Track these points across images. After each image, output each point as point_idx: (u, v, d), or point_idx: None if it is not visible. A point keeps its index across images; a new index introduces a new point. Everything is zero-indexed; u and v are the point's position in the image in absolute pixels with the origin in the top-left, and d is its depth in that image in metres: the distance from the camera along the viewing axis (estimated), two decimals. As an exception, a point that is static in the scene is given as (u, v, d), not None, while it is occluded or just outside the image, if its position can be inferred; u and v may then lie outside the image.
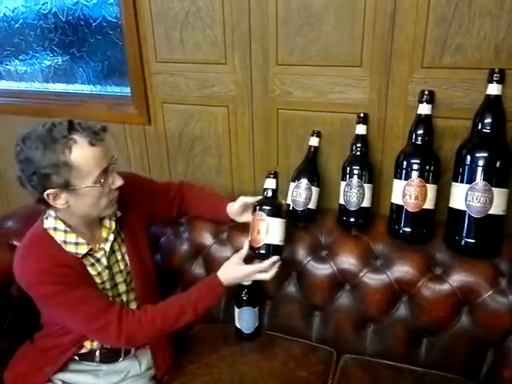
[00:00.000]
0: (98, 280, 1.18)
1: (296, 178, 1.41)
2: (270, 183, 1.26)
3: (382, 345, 1.34)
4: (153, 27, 1.51)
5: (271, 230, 1.19)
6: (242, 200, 1.32)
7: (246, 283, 1.32)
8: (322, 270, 1.36)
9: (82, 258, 1.15)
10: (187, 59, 1.51)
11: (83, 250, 1.14)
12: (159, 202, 1.39)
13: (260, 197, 1.28)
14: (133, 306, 1.29)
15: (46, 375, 1.21)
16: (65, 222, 1.14)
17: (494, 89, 1.15)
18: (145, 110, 1.63)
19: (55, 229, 1.14)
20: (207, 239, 1.50)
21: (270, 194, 1.26)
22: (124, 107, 1.69)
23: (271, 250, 1.21)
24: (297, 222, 1.43)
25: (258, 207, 1.22)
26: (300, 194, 1.39)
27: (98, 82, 1.83)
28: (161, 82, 1.58)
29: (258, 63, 1.42)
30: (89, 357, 1.26)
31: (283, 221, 1.23)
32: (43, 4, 1.76)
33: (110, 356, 1.27)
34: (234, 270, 1.23)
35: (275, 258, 1.21)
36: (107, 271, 1.20)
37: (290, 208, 1.41)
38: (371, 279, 1.31)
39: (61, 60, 1.86)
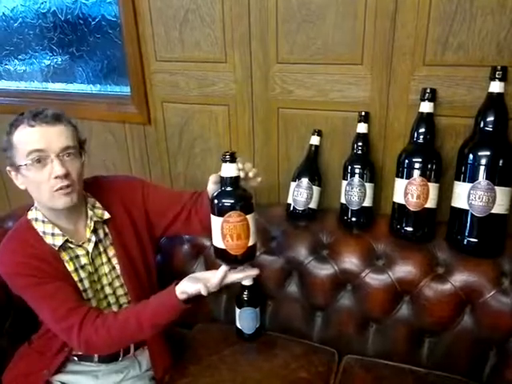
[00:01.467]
0: (75, 277, 1.17)
1: (297, 177, 1.40)
2: (230, 169, 1.00)
3: (384, 345, 1.34)
4: (152, 26, 1.50)
5: (252, 229, 1.02)
6: (211, 185, 1.18)
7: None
8: (324, 270, 1.35)
9: (60, 252, 1.15)
10: (187, 58, 1.50)
11: (59, 241, 1.14)
12: (165, 210, 1.30)
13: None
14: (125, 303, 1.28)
15: (43, 377, 1.20)
16: (43, 213, 1.16)
17: (496, 86, 1.14)
18: (145, 109, 1.63)
19: (36, 219, 1.16)
20: (207, 239, 1.49)
21: (235, 184, 1.01)
22: (124, 106, 1.68)
23: (254, 251, 1.06)
24: (298, 221, 1.42)
25: (230, 206, 0.99)
26: (301, 193, 1.38)
27: (98, 81, 1.82)
28: (160, 81, 1.57)
29: (258, 61, 1.41)
30: (87, 357, 1.25)
31: (254, 213, 1.04)
32: (42, 3, 1.75)
33: (109, 356, 1.26)
34: (190, 280, 1.09)
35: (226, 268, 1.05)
36: (86, 270, 1.19)
37: (291, 207, 1.41)
38: (373, 279, 1.30)
39: (60, 59, 1.85)
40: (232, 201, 0.99)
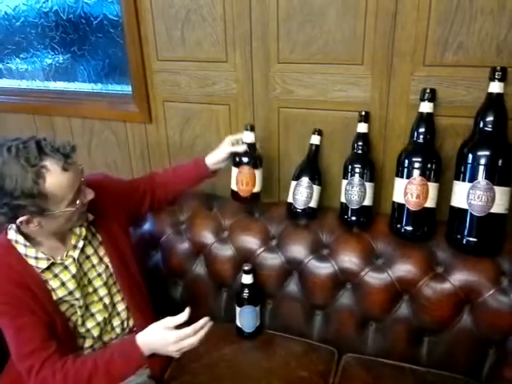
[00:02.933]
0: (60, 293, 1.14)
1: (297, 176, 1.41)
2: (250, 137, 1.36)
3: (383, 344, 1.34)
4: (154, 25, 1.50)
5: (257, 181, 1.38)
6: (229, 147, 1.37)
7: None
8: (324, 268, 1.36)
9: (44, 271, 1.13)
10: (188, 57, 1.50)
11: (43, 264, 1.12)
12: (130, 200, 1.38)
13: (243, 146, 1.36)
14: (121, 306, 1.28)
15: None
16: (26, 237, 1.12)
17: (495, 87, 1.14)
18: (146, 108, 1.63)
19: (16, 241, 1.12)
20: (208, 238, 1.49)
21: (252, 147, 1.37)
22: (125, 105, 1.69)
23: (258, 197, 1.42)
24: (298, 220, 1.43)
25: (244, 160, 1.36)
26: (301, 192, 1.39)
27: (99, 80, 1.82)
28: (162, 81, 1.58)
29: (258, 61, 1.41)
30: None
31: (262, 170, 1.41)
32: (44, 2, 1.76)
33: None
34: (156, 336, 1.06)
35: (204, 320, 1.08)
36: (76, 279, 1.16)
37: (291, 206, 1.41)
38: (373, 278, 1.31)
39: (62, 58, 1.85)
40: (246, 158, 1.37)
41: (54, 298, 1.14)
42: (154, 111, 1.64)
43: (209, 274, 1.51)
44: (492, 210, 1.15)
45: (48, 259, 1.12)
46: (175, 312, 1.43)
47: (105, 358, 1.07)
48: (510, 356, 1.18)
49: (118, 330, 1.28)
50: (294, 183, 1.42)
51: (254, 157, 1.38)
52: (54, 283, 1.14)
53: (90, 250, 1.22)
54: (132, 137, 1.73)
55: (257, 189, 1.41)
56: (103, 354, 1.09)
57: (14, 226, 1.11)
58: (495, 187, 1.14)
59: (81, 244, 1.18)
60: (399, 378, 1.27)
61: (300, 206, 1.39)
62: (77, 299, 1.17)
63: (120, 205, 1.32)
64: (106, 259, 1.25)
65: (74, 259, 1.17)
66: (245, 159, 1.37)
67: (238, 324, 1.41)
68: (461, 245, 1.21)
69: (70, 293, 1.16)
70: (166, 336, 1.04)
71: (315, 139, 1.41)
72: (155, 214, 1.55)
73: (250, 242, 1.44)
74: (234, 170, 1.41)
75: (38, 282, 1.12)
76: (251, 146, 1.37)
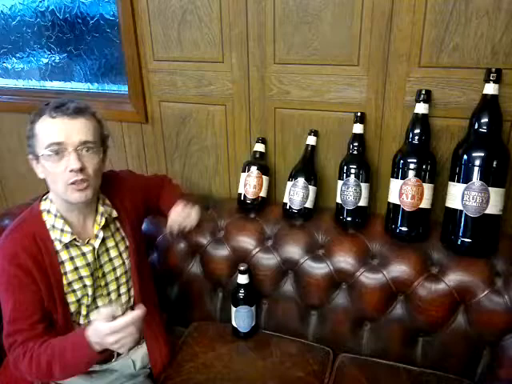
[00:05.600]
0: (71, 277, 1.16)
1: (293, 176, 1.41)
2: (261, 147, 1.50)
3: (378, 344, 1.34)
4: (150, 25, 1.50)
5: (264, 186, 1.46)
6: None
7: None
8: (319, 269, 1.36)
9: (62, 250, 1.15)
10: (184, 58, 1.50)
11: (67, 238, 1.14)
12: (149, 197, 1.40)
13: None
14: (126, 301, 1.28)
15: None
16: (56, 207, 1.16)
17: (490, 88, 1.15)
18: (142, 108, 1.63)
19: (48, 211, 1.16)
20: (204, 238, 1.49)
21: (262, 156, 1.50)
22: (121, 105, 1.69)
23: (264, 202, 1.49)
24: (294, 220, 1.43)
25: (255, 166, 1.46)
26: (297, 192, 1.39)
27: (95, 79, 1.82)
28: (158, 81, 1.58)
29: (255, 62, 1.42)
30: None
31: (268, 179, 1.50)
32: (40, 1, 1.76)
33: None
34: (95, 328, 1.03)
35: (138, 313, 1.02)
36: (90, 268, 1.18)
37: (287, 207, 1.41)
38: (368, 278, 1.31)
39: (58, 58, 1.85)
40: (255, 164, 1.47)
41: (64, 281, 1.15)
42: (150, 111, 1.64)
43: (205, 274, 1.51)
44: (486, 211, 1.15)
45: (72, 234, 1.15)
46: (171, 312, 1.44)
47: (62, 346, 1.08)
48: (504, 356, 1.18)
49: None
50: (289, 184, 1.42)
51: (262, 164, 1.48)
52: (67, 265, 1.16)
53: (111, 243, 1.24)
54: (128, 137, 1.73)
55: (263, 193, 1.47)
56: (60, 342, 1.09)
57: (49, 195, 1.18)
58: (490, 188, 1.14)
59: (101, 234, 1.20)
60: (394, 378, 1.27)
61: (296, 206, 1.40)
62: (85, 286, 1.18)
63: (140, 201, 1.34)
64: (125, 255, 1.27)
65: (93, 248, 1.19)
66: (254, 165, 1.46)
67: (234, 324, 1.42)
68: (455, 245, 1.22)
69: (81, 278, 1.18)
70: (102, 328, 1.01)
71: (311, 140, 1.42)
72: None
73: (246, 242, 1.45)
74: (243, 175, 1.48)
75: (53, 262, 1.14)
76: (261, 154, 1.50)
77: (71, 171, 1.08)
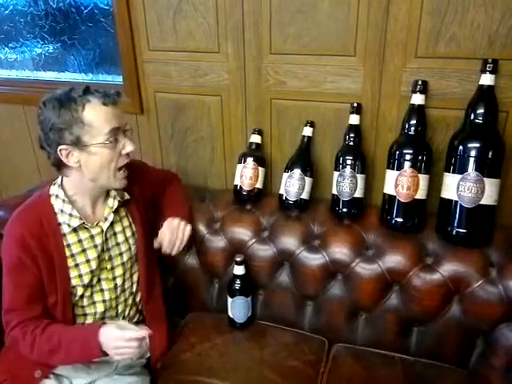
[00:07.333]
0: (79, 259, 1.18)
1: (289, 168, 1.41)
2: (257, 138, 1.48)
3: (373, 334, 1.35)
4: (145, 15, 1.49)
5: (260, 177, 1.45)
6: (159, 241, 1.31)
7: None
8: (315, 259, 1.37)
9: (69, 234, 1.17)
10: (180, 47, 1.49)
11: (75, 222, 1.16)
12: (157, 188, 1.43)
13: None
14: (128, 293, 1.29)
15: (36, 366, 1.19)
16: (66, 192, 1.17)
17: (487, 79, 1.15)
18: (137, 98, 1.62)
19: (57, 196, 1.17)
20: (200, 229, 1.49)
21: (258, 147, 1.48)
22: (116, 96, 1.67)
23: (260, 194, 1.48)
24: (290, 211, 1.43)
25: (251, 158, 1.44)
26: (293, 184, 1.39)
27: (90, 70, 1.81)
28: (153, 71, 1.56)
29: (251, 52, 1.41)
30: None
31: (264, 171, 1.49)
32: (33, -10, 1.74)
33: None
34: (113, 332, 1.10)
35: (146, 333, 1.09)
36: (97, 250, 1.20)
37: (283, 198, 1.41)
38: (363, 269, 1.31)
39: (52, 48, 1.83)
40: (251, 155, 1.45)
41: (71, 263, 1.17)
42: (145, 102, 1.63)
43: (201, 265, 1.51)
44: (482, 202, 1.16)
45: (80, 219, 1.16)
46: (167, 302, 1.44)
47: (68, 338, 1.12)
48: (498, 345, 1.19)
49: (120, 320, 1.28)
50: (285, 175, 1.42)
51: (258, 156, 1.46)
52: (75, 248, 1.18)
53: (118, 227, 1.26)
54: (123, 127, 1.71)
55: (259, 185, 1.46)
56: (67, 334, 1.13)
57: (58, 180, 1.19)
58: (485, 179, 1.15)
59: (111, 217, 1.21)
60: (388, 367, 1.28)
61: (292, 197, 1.40)
62: (92, 270, 1.20)
63: (148, 191, 1.36)
64: (132, 241, 1.28)
65: (102, 230, 1.20)
66: (250, 156, 1.45)
67: (230, 315, 1.42)
68: (450, 236, 1.22)
69: (88, 261, 1.19)
70: (112, 332, 1.09)
71: (307, 131, 1.41)
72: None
73: (242, 233, 1.45)
74: (239, 167, 1.47)
75: (58, 245, 1.15)
76: (257, 145, 1.48)
77: (127, 154, 1.14)
